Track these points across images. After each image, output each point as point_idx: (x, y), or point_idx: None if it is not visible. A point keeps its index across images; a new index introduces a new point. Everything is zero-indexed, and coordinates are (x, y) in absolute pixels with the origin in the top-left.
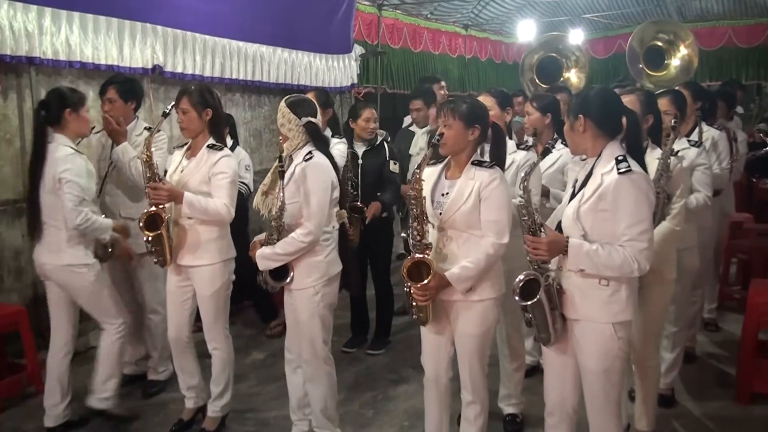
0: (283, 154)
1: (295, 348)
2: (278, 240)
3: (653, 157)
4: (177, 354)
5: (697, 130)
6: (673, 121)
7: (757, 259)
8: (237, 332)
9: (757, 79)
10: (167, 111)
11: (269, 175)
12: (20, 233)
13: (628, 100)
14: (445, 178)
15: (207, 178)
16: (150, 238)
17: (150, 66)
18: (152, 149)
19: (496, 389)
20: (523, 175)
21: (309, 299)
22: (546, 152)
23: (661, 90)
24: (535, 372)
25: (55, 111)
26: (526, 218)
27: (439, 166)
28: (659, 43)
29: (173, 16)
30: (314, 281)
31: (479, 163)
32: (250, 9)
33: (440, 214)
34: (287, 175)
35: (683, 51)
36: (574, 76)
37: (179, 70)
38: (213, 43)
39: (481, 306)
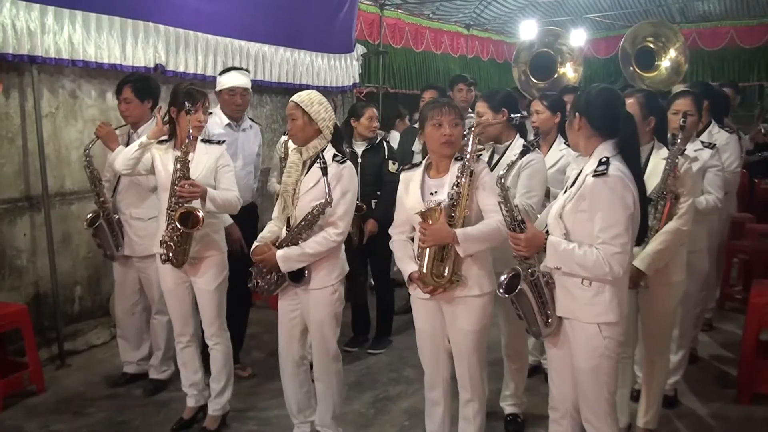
0: (306, 153)
1: (294, 352)
2: (305, 239)
3: (660, 157)
4: (180, 349)
5: (708, 131)
6: (681, 121)
7: (759, 260)
8: None
9: (760, 80)
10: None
11: (285, 176)
12: (22, 232)
13: (629, 104)
14: (429, 177)
15: (213, 172)
16: (181, 236)
17: (152, 65)
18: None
19: (498, 389)
20: (501, 172)
21: (328, 298)
22: (525, 151)
23: (681, 90)
24: (536, 372)
25: None
26: (506, 214)
27: (419, 170)
28: (650, 45)
29: (175, 15)
30: (334, 279)
31: (462, 158)
32: (252, 8)
33: None
34: (314, 175)
35: (672, 53)
36: (570, 71)
37: (181, 69)
38: (215, 42)
39: (480, 301)
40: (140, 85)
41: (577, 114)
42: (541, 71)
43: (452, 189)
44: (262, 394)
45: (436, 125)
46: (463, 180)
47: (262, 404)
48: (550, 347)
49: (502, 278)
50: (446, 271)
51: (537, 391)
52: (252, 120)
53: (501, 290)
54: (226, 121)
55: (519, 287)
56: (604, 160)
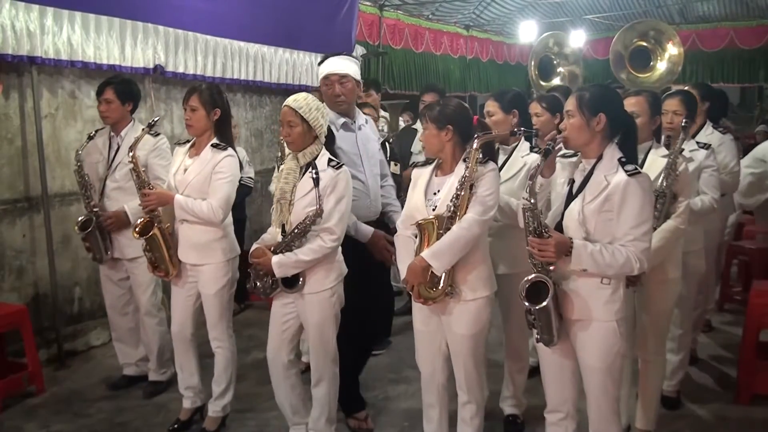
0: (303, 159)
1: (283, 355)
2: (298, 246)
3: (658, 155)
4: (179, 351)
5: (702, 131)
6: (683, 121)
7: (758, 261)
8: (237, 332)
9: (759, 82)
10: (153, 122)
11: (282, 182)
12: (21, 232)
13: (635, 101)
14: (435, 176)
15: (209, 179)
16: (147, 246)
17: (151, 66)
18: (140, 154)
19: (498, 390)
20: (529, 177)
21: (326, 301)
22: (547, 153)
23: (671, 91)
24: (536, 373)
25: None
26: (531, 220)
27: (429, 168)
28: (644, 44)
29: (175, 16)
30: (332, 282)
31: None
32: (251, 9)
33: (434, 209)
34: (309, 181)
35: (672, 50)
36: (563, 70)
37: (181, 70)
38: (214, 43)
39: (474, 305)
40: (122, 87)
41: (601, 114)
42: (545, 73)
43: (451, 201)
44: (262, 395)
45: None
46: (462, 193)
47: (262, 405)
48: (548, 353)
49: (522, 284)
50: (441, 283)
51: (537, 392)
52: (366, 113)
53: (525, 303)
54: (341, 119)
55: (546, 303)
56: (624, 160)
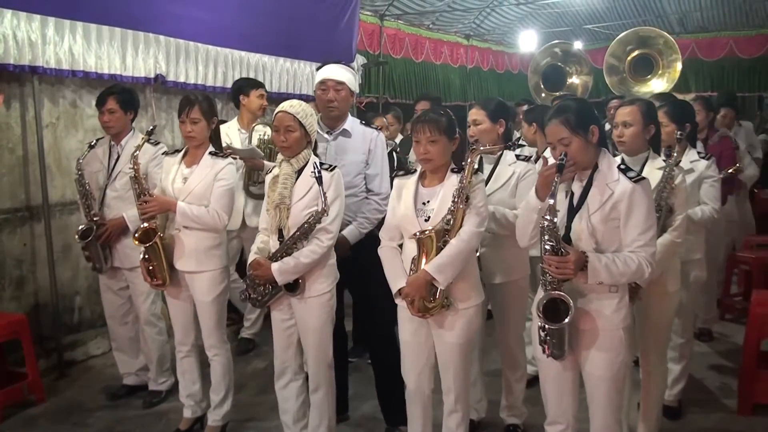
0: (296, 164)
1: (291, 361)
2: (299, 249)
3: (654, 166)
4: (180, 358)
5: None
6: (678, 133)
7: (759, 270)
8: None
9: (759, 91)
10: (151, 129)
11: (280, 187)
12: (22, 242)
13: (629, 111)
14: (422, 186)
15: (211, 186)
16: (147, 256)
17: (152, 75)
18: (140, 162)
19: (498, 400)
20: (550, 197)
21: (325, 304)
22: (561, 168)
23: (662, 102)
24: (536, 382)
25: None
26: (548, 238)
27: (412, 178)
28: (645, 51)
29: (176, 25)
30: (329, 285)
31: (460, 170)
32: (252, 19)
33: (427, 220)
34: (304, 184)
35: (671, 57)
36: (576, 80)
37: (181, 79)
38: (215, 52)
39: (466, 314)
40: (124, 97)
41: (593, 127)
42: (551, 82)
43: (448, 214)
44: (263, 405)
45: (415, 142)
46: (460, 206)
47: (263, 415)
48: (550, 364)
49: (540, 301)
50: (437, 296)
51: (537, 402)
52: (365, 124)
53: (546, 324)
54: (321, 128)
55: (567, 320)
56: (624, 167)
